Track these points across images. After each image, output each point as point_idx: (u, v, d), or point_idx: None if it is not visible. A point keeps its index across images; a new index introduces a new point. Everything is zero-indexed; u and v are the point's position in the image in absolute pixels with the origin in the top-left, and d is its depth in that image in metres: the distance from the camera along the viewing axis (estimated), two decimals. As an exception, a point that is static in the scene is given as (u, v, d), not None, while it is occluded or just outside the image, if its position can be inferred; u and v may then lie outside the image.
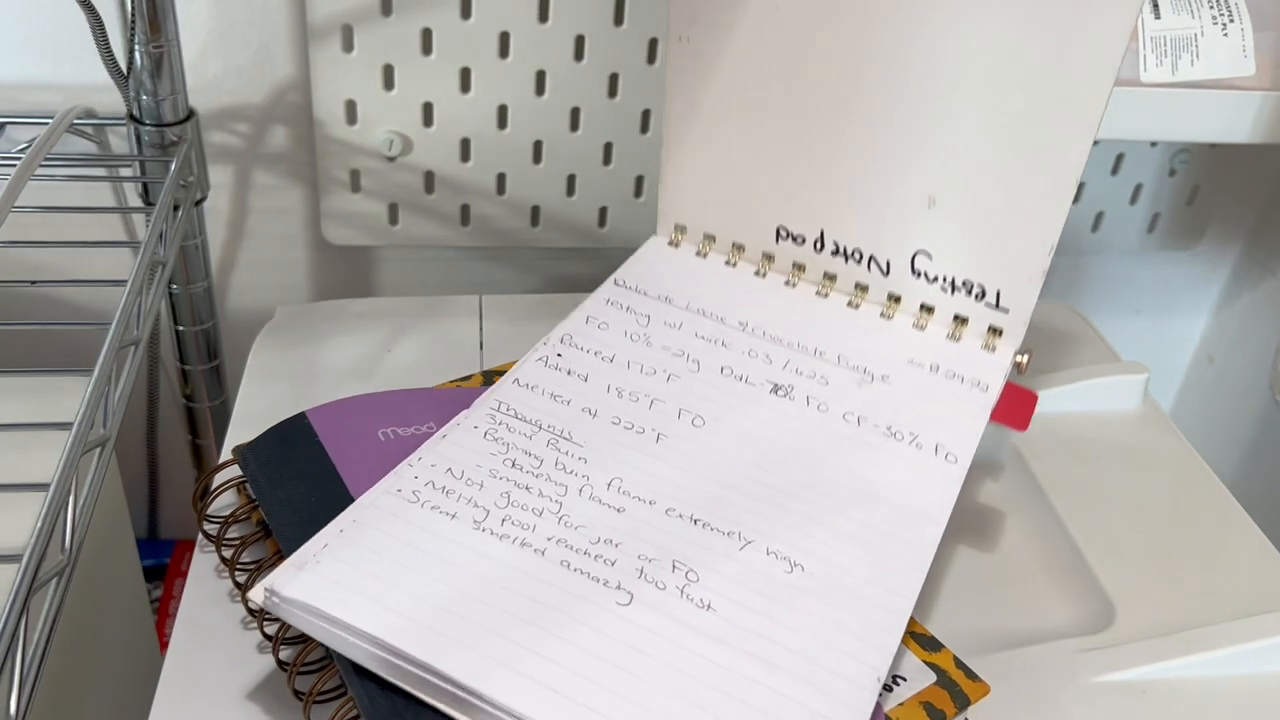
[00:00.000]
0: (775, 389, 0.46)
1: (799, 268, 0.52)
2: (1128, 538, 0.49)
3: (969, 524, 0.51)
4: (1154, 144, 0.74)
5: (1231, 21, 0.62)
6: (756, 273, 0.52)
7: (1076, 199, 0.76)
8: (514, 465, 0.41)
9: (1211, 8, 0.62)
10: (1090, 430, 0.55)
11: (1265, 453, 0.80)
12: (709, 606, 0.36)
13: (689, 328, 0.49)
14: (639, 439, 0.43)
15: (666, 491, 0.40)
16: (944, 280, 0.49)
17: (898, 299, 0.51)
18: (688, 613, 0.36)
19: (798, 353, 0.49)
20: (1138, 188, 0.76)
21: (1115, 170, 0.75)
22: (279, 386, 0.52)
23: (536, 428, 0.43)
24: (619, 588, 0.36)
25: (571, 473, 0.41)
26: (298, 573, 0.35)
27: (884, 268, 0.50)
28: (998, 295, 0.48)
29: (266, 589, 0.35)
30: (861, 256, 0.50)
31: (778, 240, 0.52)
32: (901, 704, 0.37)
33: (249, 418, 0.50)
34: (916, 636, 0.39)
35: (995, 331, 0.49)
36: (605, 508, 0.39)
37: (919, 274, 0.50)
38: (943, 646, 0.39)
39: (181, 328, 0.65)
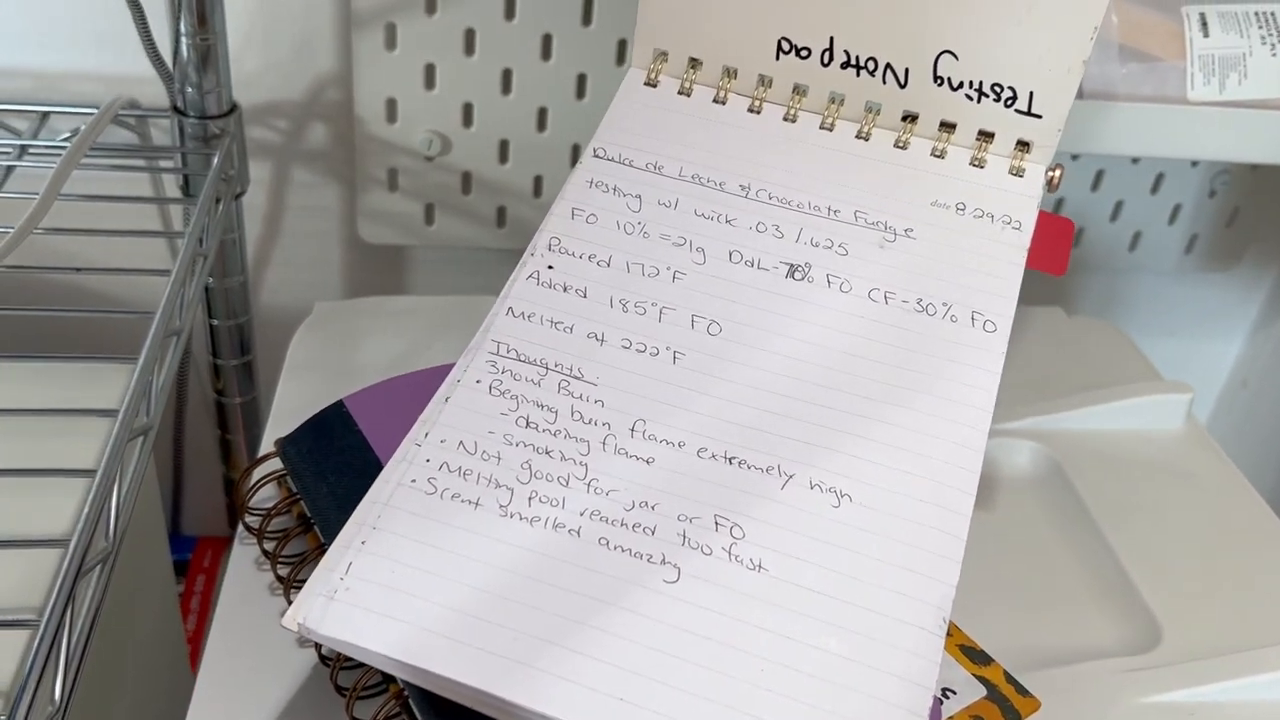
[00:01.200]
0: (791, 271, 0.42)
1: (800, 92, 0.45)
2: (1173, 558, 0.48)
3: (1014, 541, 0.50)
4: (1194, 164, 0.74)
5: (1280, 42, 0.62)
6: (751, 108, 0.46)
7: (1114, 218, 0.75)
8: (528, 424, 0.38)
9: (1261, 27, 0.62)
10: (1134, 449, 0.54)
11: (1299, 479, 0.79)
12: (760, 566, 0.34)
13: (686, 204, 0.44)
14: (655, 364, 0.39)
15: (694, 427, 0.38)
16: (969, 86, 0.44)
17: (914, 118, 0.45)
18: (738, 578, 0.34)
19: (810, 215, 0.43)
20: (1177, 208, 0.75)
21: (1155, 190, 0.74)
22: (318, 381, 0.52)
23: (543, 370, 0.39)
24: (664, 562, 0.34)
25: (591, 422, 0.38)
26: (329, 605, 0.33)
27: (901, 78, 0.44)
28: (1030, 97, 0.44)
29: (300, 623, 0.33)
30: (876, 66, 0.44)
31: (779, 56, 0.45)
32: (951, 717, 0.36)
33: (287, 412, 0.50)
34: (966, 650, 0.39)
35: (1023, 147, 0.44)
36: (634, 460, 0.37)
37: (941, 81, 0.44)
38: (993, 660, 0.39)
39: (216, 322, 0.65)
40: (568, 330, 0.40)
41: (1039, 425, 0.54)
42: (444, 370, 0.41)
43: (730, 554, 0.35)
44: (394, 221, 0.69)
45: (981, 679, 0.38)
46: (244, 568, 0.42)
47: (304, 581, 0.35)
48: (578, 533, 0.35)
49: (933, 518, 0.36)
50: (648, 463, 0.37)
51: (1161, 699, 0.42)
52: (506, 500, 0.36)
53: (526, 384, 0.39)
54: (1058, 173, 0.45)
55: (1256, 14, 0.62)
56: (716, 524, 0.35)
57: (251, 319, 0.66)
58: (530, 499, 0.36)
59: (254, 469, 0.44)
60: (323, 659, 0.37)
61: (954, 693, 0.37)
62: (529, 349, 0.40)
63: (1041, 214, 0.43)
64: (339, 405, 0.44)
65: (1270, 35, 0.62)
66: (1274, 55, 0.62)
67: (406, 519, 0.35)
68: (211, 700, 0.37)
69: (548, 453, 0.37)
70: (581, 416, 0.38)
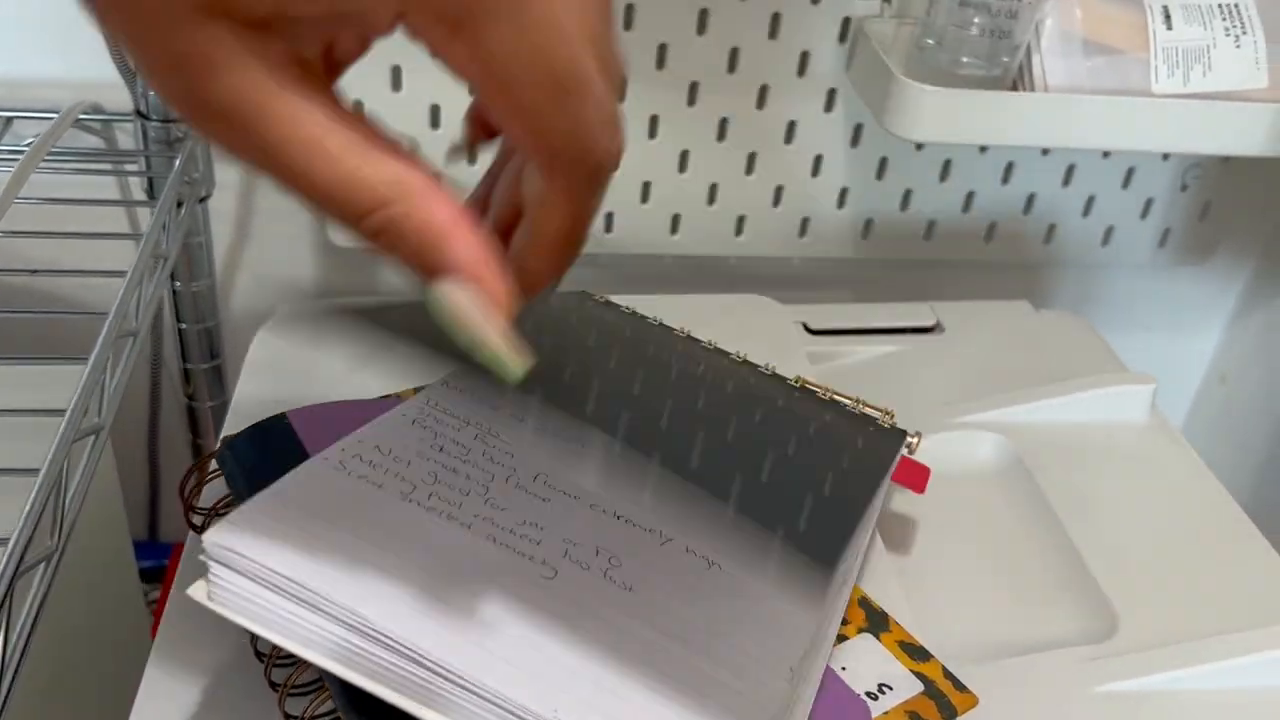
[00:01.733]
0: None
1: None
2: (1132, 547, 0.48)
3: (973, 533, 0.50)
4: (1166, 158, 0.74)
5: (1244, 34, 0.62)
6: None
7: (1086, 213, 0.75)
8: (442, 450, 0.41)
9: (1224, 19, 0.62)
10: (1096, 440, 0.54)
11: (1275, 471, 0.79)
12: (631, 589, 0.36)
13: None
14: (566, 447, 0.43)
15: (591, 490, 0.41)
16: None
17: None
18: (611, 591, 0.36)
19: None
20: (1149, 202, 0.75)
21: (1126, 184, 0.74)
22: (277, 384, 0.52)
23: (466, 422, 0.43)
24: (544, 563, 0.36)
25: (499, 464, 0.41)
26: (231, 527, 0.34)
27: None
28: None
29: (204, 540, 0.33)
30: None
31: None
32: (886, 713, 0.36)
33: (245, 413, 0.50)
34: (905, 646, 0.39)
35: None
36: (531, 496, 0.39)
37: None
38: (931, 656, 0.39)
39: (184, 325, 0.65)
40: (494, 408, 0.44)
41: (1001, 417, 0.54)
42: (390, 403, 0.44)
43: (606, 575, 0.37)
44: (363, 224, 0.69)
45: (919, 675, 0.37)
46: (196, 569, 0.42)
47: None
48: (469, 526, 0.37)
49: (788, 599, 0.38)
50: (544, 500, 0.39)
51: (1115, 688, 0.42)
52: (409, 490, 0.38)
53: (448, 426, 0.42)
54: (916, 440, 0.48)
55: (1219, 6, 0.62)
56: (597, 551, 0.37)
57: (220, 323, 0.66)
58: (431, 495, 0.38)
59: (202, 466, 0.44)
60: (257, 654, 0.37)
61: (890, 688, 0.37)
62: (458, 409, 0.44)
63: (903, 459, 0.47)
64: (281, 417, 0.44)
65: (1234, 27, 0.62)
66: (1238, 47, 0.62)
67: (311, 481, 0.37)
68: (156, 692, 0.37)
69: (454, 471, 0.40)
70: (491, 458, 0.41)
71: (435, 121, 0.66)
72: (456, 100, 0.65)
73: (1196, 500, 0.51)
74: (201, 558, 0.33)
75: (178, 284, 0.63)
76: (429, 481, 0.38)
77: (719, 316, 0.58)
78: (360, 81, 0.64)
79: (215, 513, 0.42)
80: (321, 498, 0.36)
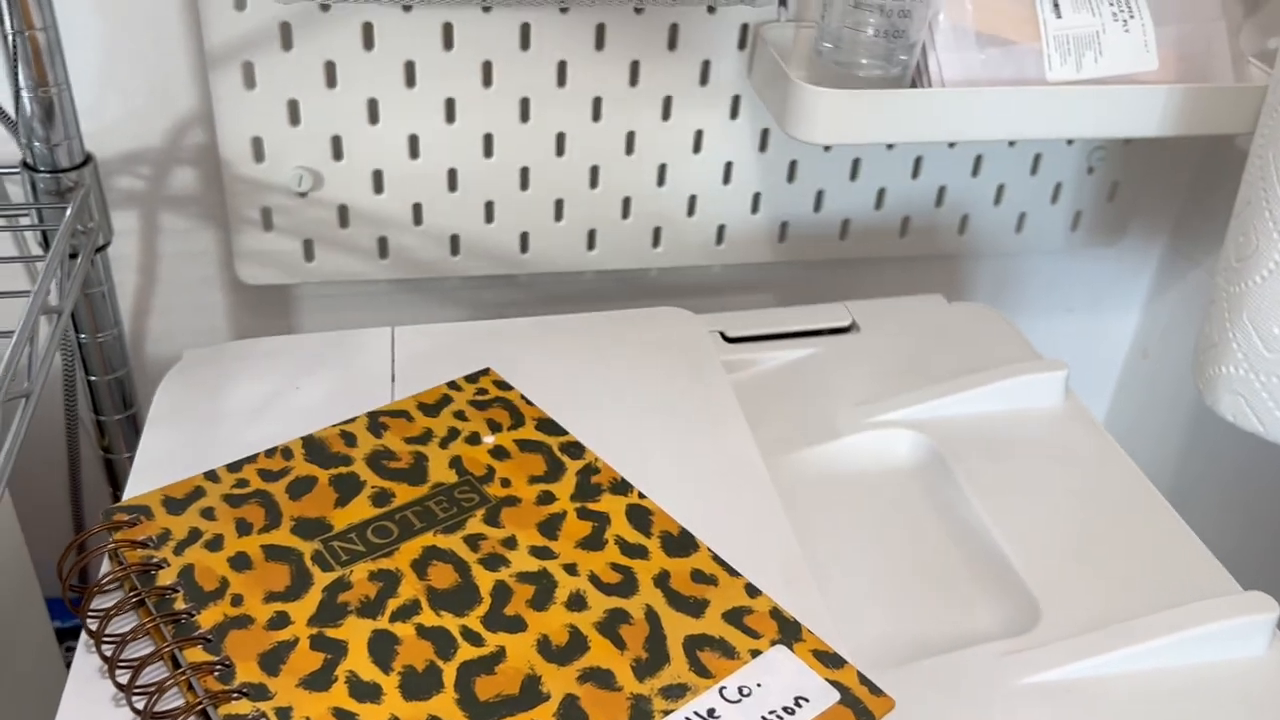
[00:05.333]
0: None
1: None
2: (1051, 535, 0.49)
3: (893, 532, 0.50)
4: (1070, 142, 0.75)
5: (1132, 18, 0.63)
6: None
7: (997, 202, 0.76)
8: None
9: (1111, 5, 0.63)
10: (1011, 429, 0.54)
11: (1201, 442, 0.80)
12: None
13: None
14: None
15: None
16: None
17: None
18: None
19: None
20: (1058, 187, 0.76)
21: (1034, 170, 0.75)
22: (183, 435, 0.51)
23: None
24: None
25: None
26: None
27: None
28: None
29: None
30: None
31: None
32: (809, 723, 0.36)
33: (151, 466, 0.49)
34: (819, 654, 0.39)
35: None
36: None
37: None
38: (845, 662, 0.38)
39: (94, 378, 0.63)
40: None
41: (917, 414, 0.54)
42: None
43: None
44: (273, 261, 0.68)
45: (835, 683, 0.37)
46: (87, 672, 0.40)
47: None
48: None
49: None
50: None
51: (1040, 679, 0.42)
52: None
53: None
54: None
55: (1107, -9, 0.63)
56: None
57: (130, 371, 0.64)
58: None
59: (75, 547, 0.42)
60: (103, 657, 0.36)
61: (807, 700, 0.36)
62: None
63: None
64: None
65: (1121, 11, 0.63)
66: (1127, 31, 0.63)
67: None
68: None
69: None
70: None
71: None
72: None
73: (1112, 484, 0.52)
74: None
75: (83, 336, 0.62)
76: None
77: (634, 331, 0.58)
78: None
79: (98, 589, 0.41)
80: None
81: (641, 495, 0.46)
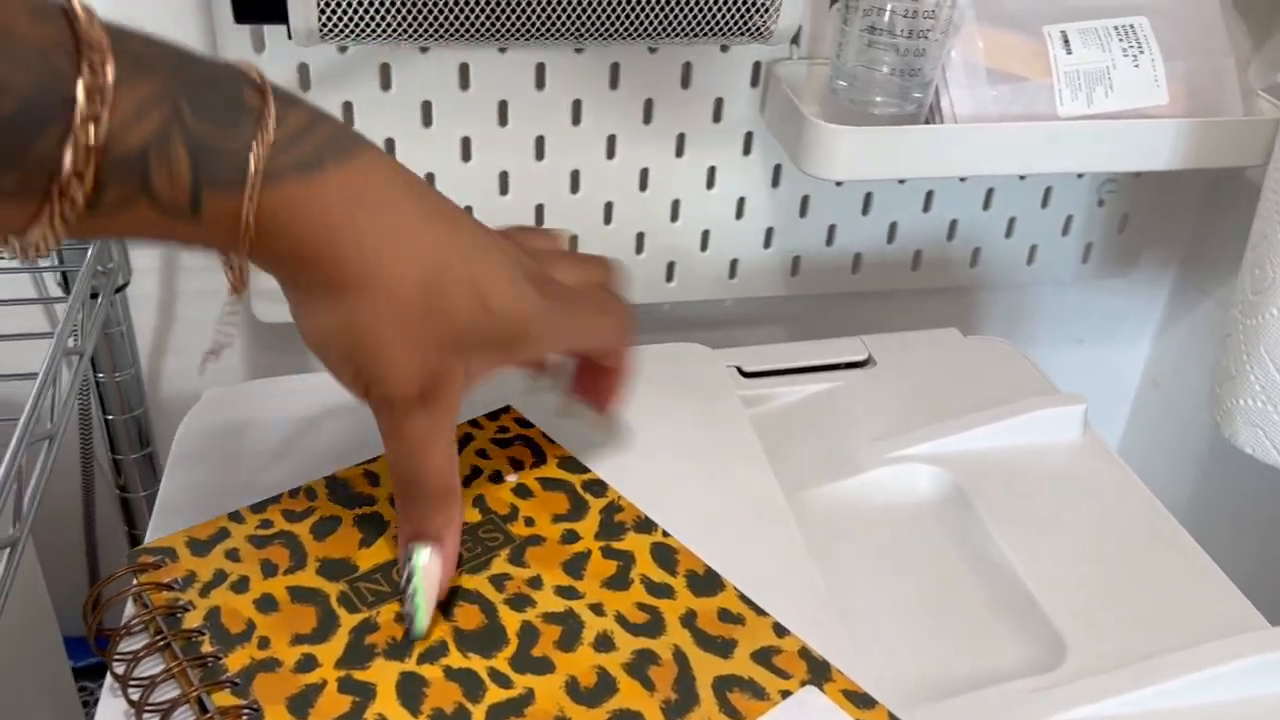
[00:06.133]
0: None
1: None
2: (1075, 572, 0.49)
3: (916, 568, 0.50)
4: (1081, 175, 0.75)
5: (1141, 53, 0.64)
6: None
7: (1009, 234, 0.76)
8: None
9: (1121, 40, 0.63)
10: (1032, 464, 0.54)
11: (1215, 473, 0.80)
12: None
13: None
14: None
15: None
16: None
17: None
18: None
19: None
20: (1069, 219, 0.77)
21: (1045, 203, 0.76)
22: (204, 475, 0.51)
23: None
24: None
25: None
26: None
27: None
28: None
29: None
30: None
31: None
32: (843, 764, 0.36)
33: (173, 509, 0.49)
34: (850, 694, 0.38)
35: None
36: None
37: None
38: (876, 703, 0.38)
39: (111, 417, 0.63)
40: None
41: (937, 449, 0.54)
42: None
43: None
44: (289, 299, 0.68)
45: (867, 721, 0.37)
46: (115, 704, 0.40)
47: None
48: None
49: None
50: None
51: (1069, 716, 0.42)
52: None
53: None
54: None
55: (1115, 28, 0.64)
56: None
57: (148, 411, 0.64)
58: None
59: (100, 587, 0.42)
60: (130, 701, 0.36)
61: (839, 738, 0.36)
62: None
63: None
64: None
65: (1131, 47, 0.64)
66: (1137, 67, 0.64)
67: None
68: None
69: None
70: None
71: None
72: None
73: (1134, 518, 0.52)
74: None
75: (101, 375, 0.62)
76: None
77: (652, 367, 0.58)
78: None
79: (125, 632, 0.41)
80: None
81: (665, 533, 0.46)
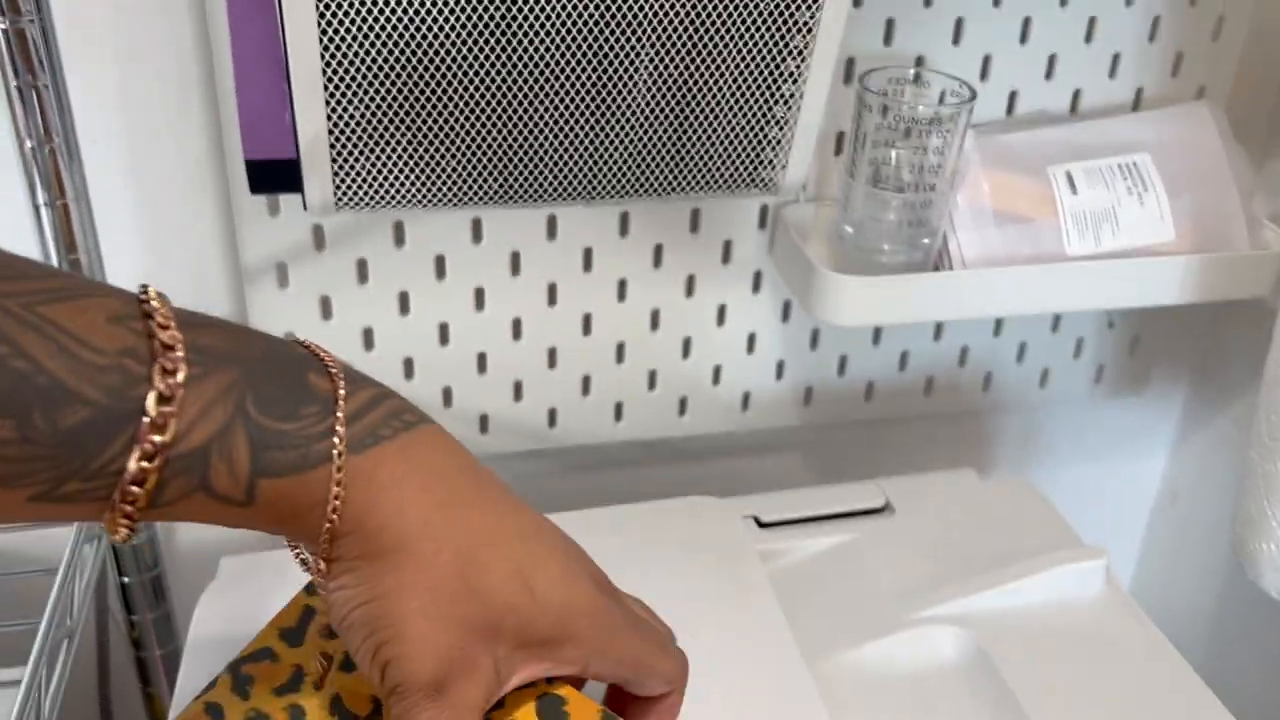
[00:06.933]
0: None
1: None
2: (1104, 741, 0.48)
3: (943, 738, 0.49)
4: (1089, 301, 0.75)
5: (1146, 190, 0.64)
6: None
7: (1020, 359, 0.76)
8: None
9: (1125, 179, 0.64)
10: (1055, 622, 0.54)
11: (1237, 587, 0.79)
12: None
13: None
14: None
15: None
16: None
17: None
18: None
19: None
20: (1079, 342, 0.77)
21: (1055, 328, 0.76)
22: (225, 657, 0.51)
23: None
24: None
25: None
26: None
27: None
28: None
29: None
30: None
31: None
32: None
33: (194, 689, 0.48)
34: None
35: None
36: None
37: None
38: None
39: (127, 579, 0.63)
40: None
41: (959, 609, 0.54)
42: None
43: None
44: (304, 450, 0.68)
45: None
46: None
47: None
48: None
49: None
50: None
51: None
52: None
53: None
54: None
55: (1119, 166, 0.65)
56: None
57: (163, 571, 0.64)
58: None
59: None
60: None
61: None
62: None
63: None
64: None
65: (1135, 185, 0.64)
66: (1142, 205, 0.64)
67: None
68: None
69: None
70: None
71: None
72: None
73: (1160, 681, 0.51)
74: None
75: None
76: None
77: (665, 523, 0.58)
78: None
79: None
80: None
81: None
